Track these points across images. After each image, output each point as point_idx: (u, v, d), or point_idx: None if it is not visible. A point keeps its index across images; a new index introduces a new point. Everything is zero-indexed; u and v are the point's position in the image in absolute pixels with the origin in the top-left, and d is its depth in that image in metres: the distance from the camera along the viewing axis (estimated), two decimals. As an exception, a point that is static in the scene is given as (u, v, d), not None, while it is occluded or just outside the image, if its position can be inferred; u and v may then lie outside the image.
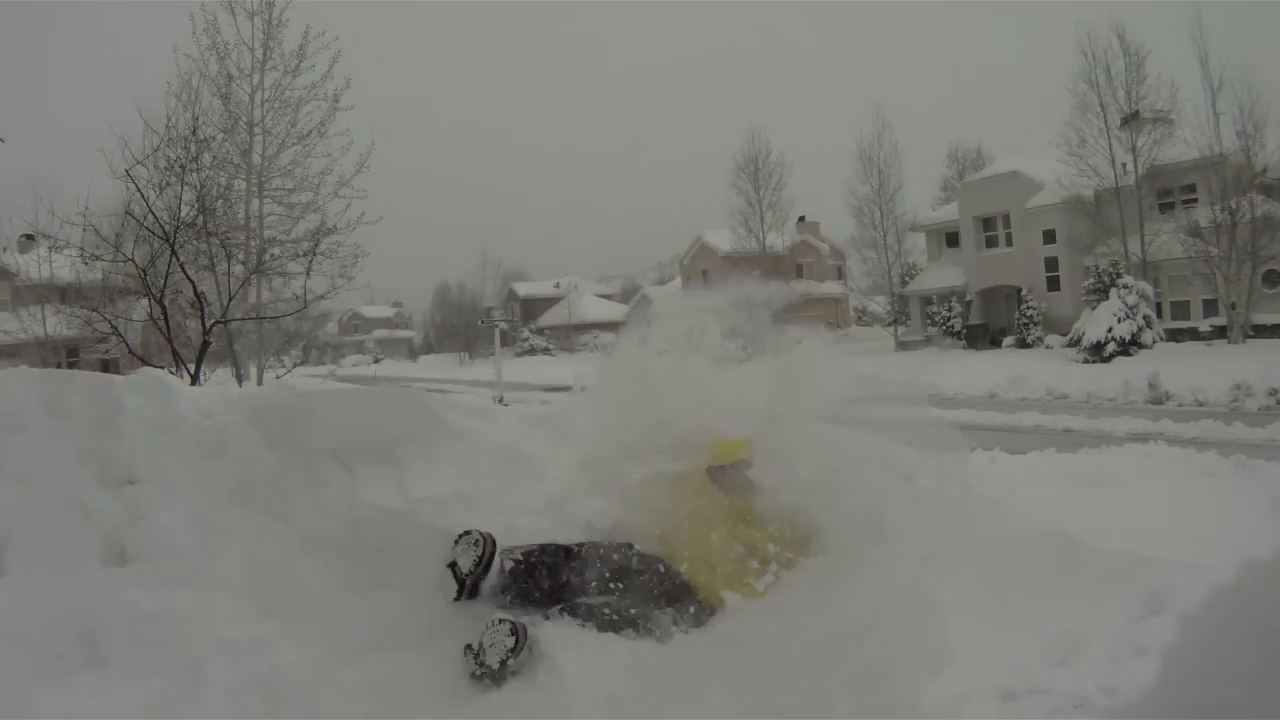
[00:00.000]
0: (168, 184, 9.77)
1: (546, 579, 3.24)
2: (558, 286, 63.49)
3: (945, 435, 4.05)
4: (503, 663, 2.92)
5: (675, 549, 3.47)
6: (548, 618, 3.12)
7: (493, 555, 3.29)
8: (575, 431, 4.30)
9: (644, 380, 4.07)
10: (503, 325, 31.59)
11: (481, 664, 2.95)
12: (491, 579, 3.35)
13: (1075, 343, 23.46)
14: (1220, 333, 23.76)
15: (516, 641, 2.93)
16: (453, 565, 3.30)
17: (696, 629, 3.23)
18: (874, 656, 2.91)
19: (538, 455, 4.06)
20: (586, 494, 3.80)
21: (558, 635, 3.03)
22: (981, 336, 30.02)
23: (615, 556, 3.32)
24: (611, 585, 3.23)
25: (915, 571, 3.30)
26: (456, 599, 3.30)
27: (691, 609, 3.28)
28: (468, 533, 3.32)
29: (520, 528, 3.56)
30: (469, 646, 3.02)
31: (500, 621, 3.00)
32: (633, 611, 3.14)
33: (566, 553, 3.31)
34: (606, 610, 3.12)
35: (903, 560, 3.33)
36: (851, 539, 3.42)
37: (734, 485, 3.65)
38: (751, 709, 2.74)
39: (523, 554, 3.29)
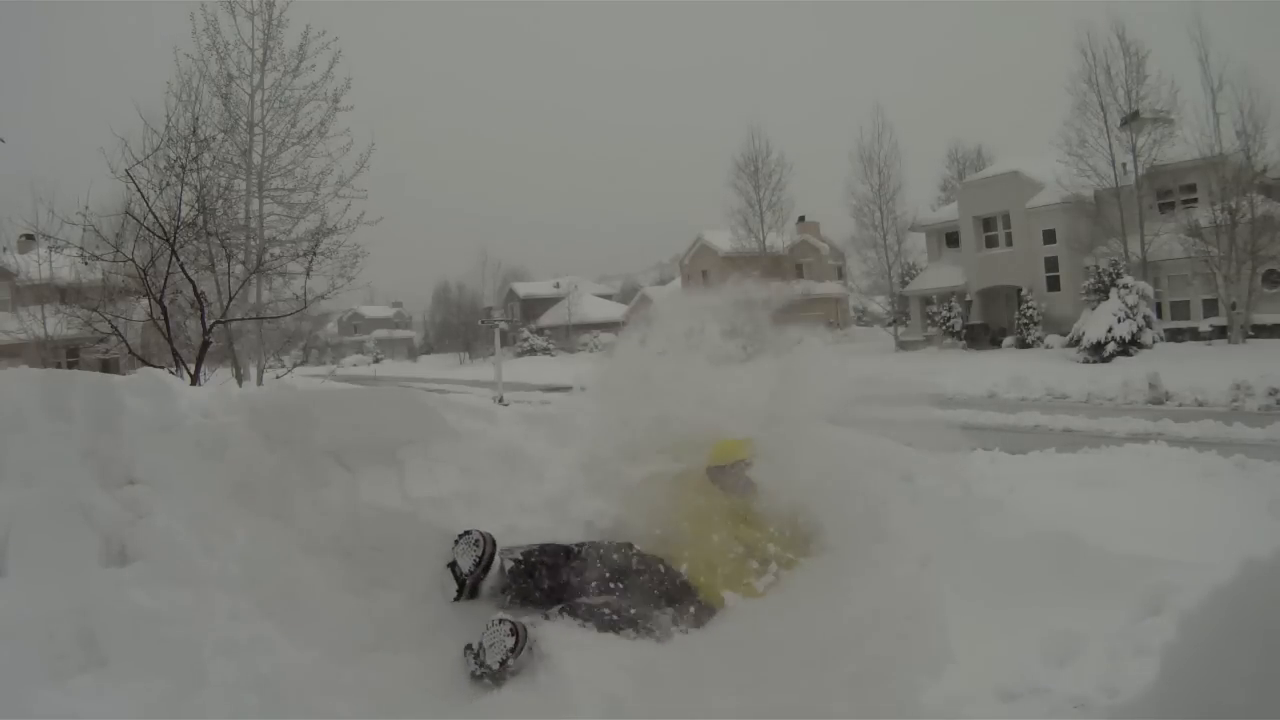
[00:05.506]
0: (168, 184, 9.76)
1: (546, 579, 3.24)
2: (558, 286, 63.50)
3: (945, 435, 4.05)
4: (503, 663, 2.91)
5: (675, 549, 3.47)
6: (548, 618, 3.11)
7: (493, 555, 3.29)
8: (576, 432, 4.29)
9: (644, 380, 4.06)
10: (503, 325, 31.58)
11: (482, 664, 2.95)
12: (491, 579, 3.34)
13: (1075, 343, 23.47)
14: (1220, 333, 23.76)
15: (517, 642, 2.92)
16: (453, 565, 3.31)
17: (696, 629, 3.22)
18: (873, 656, 2.91)
19: (538, 455, 4.06)
20: (587, 494, 3.80)
21: (558, 635, 3.02)
22: (981, 336, 30.01)
23: (615, 557, 3.32)
24: (612, 585, 3.22)
25: (915, 571, 3.30)
26: (456, 599, 3.31)
27: (691, 609, 3.28)
28: (467, 533, 3.32)
29: (521, 527, 3.56)
30: (469, 646, 3.02)
31: (500, 621, 2.99)
32: (633, 612, 3.13)
33: (567, 553, 3.31)
34: (606, 610, 3.12)
35: (903, 560, 3.33)
36: (851, 539, 3.42)
37: (734, 485, 3.64)
38: (751, 709, 2.74)
39: (522, 554, 3.29)
